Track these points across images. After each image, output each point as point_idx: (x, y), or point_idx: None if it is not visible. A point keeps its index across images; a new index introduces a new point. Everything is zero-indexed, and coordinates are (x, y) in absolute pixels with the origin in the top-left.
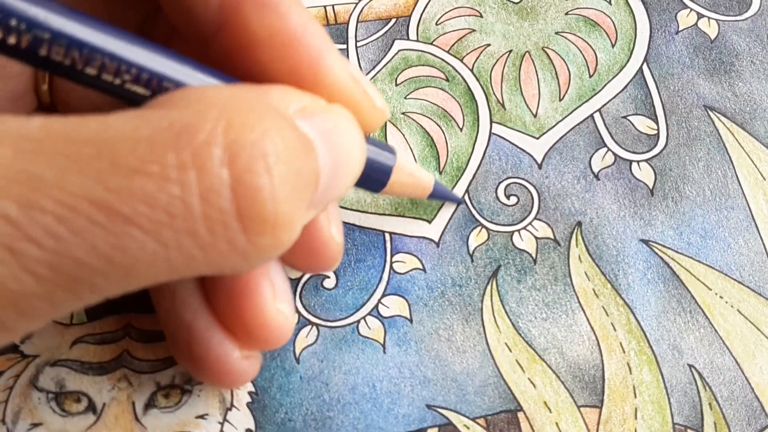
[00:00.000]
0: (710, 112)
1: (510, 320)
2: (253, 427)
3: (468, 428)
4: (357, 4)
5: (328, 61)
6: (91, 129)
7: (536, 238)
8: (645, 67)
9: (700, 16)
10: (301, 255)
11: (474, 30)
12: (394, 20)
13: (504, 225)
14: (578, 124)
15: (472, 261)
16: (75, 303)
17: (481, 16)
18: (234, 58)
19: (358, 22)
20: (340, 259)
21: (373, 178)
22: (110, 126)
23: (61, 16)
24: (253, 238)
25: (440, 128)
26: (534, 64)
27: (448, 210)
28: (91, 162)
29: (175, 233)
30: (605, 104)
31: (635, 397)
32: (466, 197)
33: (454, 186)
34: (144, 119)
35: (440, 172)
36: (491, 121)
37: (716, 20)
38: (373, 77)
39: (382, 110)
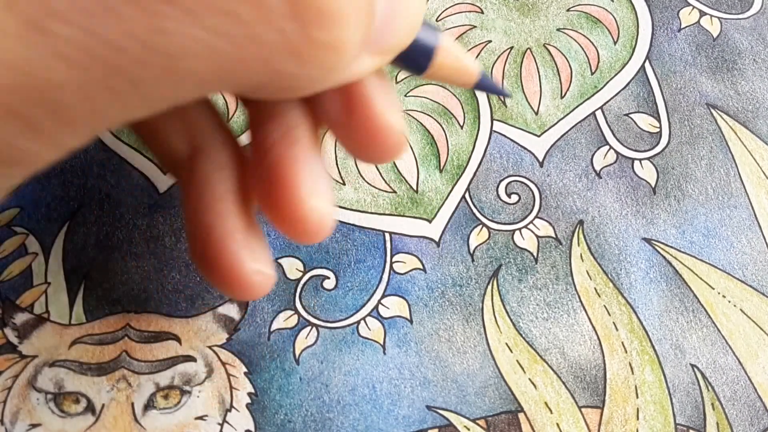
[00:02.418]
0: (713, 110)
1: (511, 320)
2: (252, 429)
3: (468, 429)
4: None
5: None
6: None
7: (537, 236)
8: (647, 64)
9: (702, 13)
10: (361, 140)
11: (475, 26)
12: None
13: (505, 224)
14: (580, 122)
15: (473, 260)
16: (114, 106)
17: (482, 13)
18: None
19: None
20: (402, 151)
21: (417, 54)
22: None
23: None
24: (305, 29)
25: (441, 126)
26: (535, 61)
27: (448, 209)
28: None
29: (214, 15)
30: (607, 102)
31: (637, 397)
32: (467, 196)
33: (455, 185)
34: None
35: (441, 171)
36: (492, 119)
37: (718, 18)
38: None
39: None
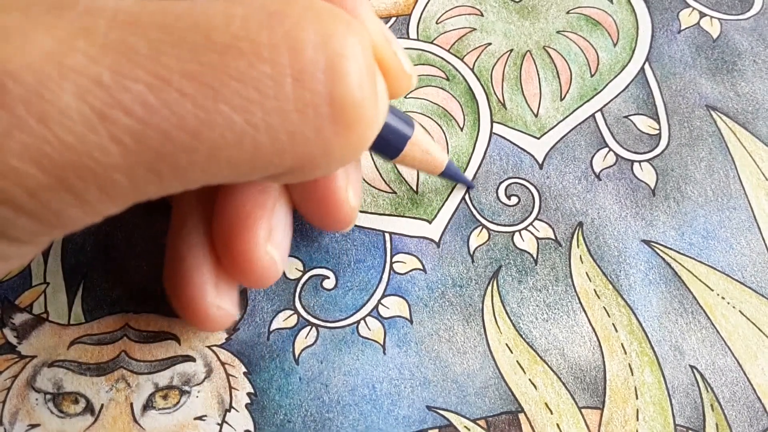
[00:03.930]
0: (712, 112)
1: (511, 321)
2: (252, 429)
3: (468, 429)
4: None
5: (362, 15)
6: (183, 6)
7: (537, 238)
8: (647, 66)
9: (702, 15)
10: (315, 210)
11: (475, 29)
12: (394, 19)
13: (505, 225)
14: (579, 124)
15: (473, 261)
16: (155, 186)
17: (482, 15)
18: None
19: None
20: (353, 222)
21: (390, 143)
22: (203, 4)
23: None
24: (339, 128)
25: (441, 128)
26: (535, 63)
27: (448, 210)
28: (185, 35)
29: (264, 113)
30: (607, 104)
31: (637, 398)
32: (467, 197)
33: (455, 186)
34: (235, 1)
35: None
36: (492, 121)
37: (718, 19)
38: None
39: (410, 75)
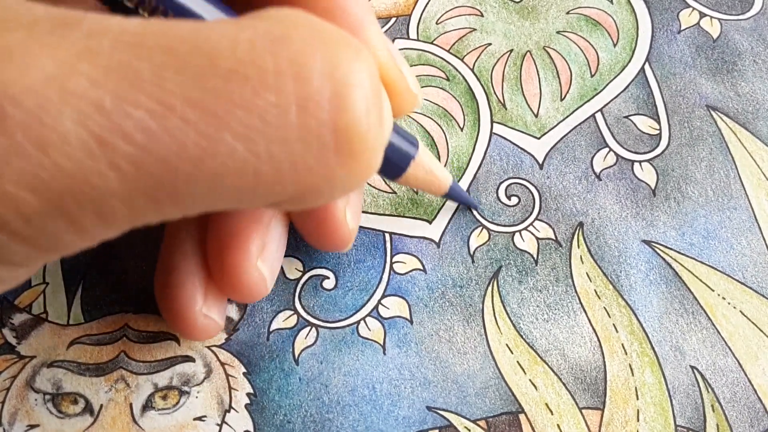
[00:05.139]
0: (712, 112)
1: (511, 321)
2: (251, 429)
3: (469, 430)
4: None
5: (368, 33)
6: (189, 28)
7: (537, 238)
8: (647, 66)
9: (702, 15)
10: (313, 230)
11: (475, 29)
12: (394, 19)
13: (505, 225)
14: (580, 124)
15: (473, 262)
16: (153, 213)
17: (482, 16)
18: None
19: None
20: (351, 243)
21: (393, 163)
22: (209, 27)
23: None
24: (343, 158)
25: (441, 128)
26: (535, 63)
27: (448, 210)
28: (189, 59)
29: (267, 141)
30: (607, 104)
31: (637, 398)
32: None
33: None
34: (241, 25)
35: None
36: (492, 121)
37: (718, 19)
38: None
39: (415, 95)
